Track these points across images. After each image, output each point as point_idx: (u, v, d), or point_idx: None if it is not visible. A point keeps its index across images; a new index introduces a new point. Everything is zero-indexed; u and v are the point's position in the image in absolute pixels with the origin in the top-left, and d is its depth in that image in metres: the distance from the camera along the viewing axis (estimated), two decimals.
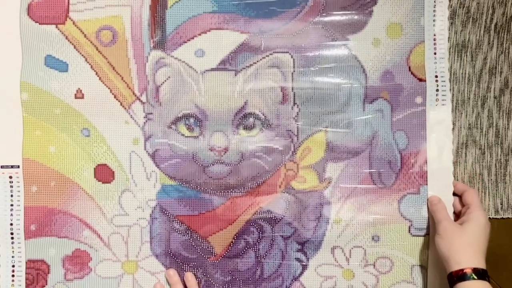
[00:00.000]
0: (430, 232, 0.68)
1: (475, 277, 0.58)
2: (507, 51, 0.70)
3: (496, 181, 0.71)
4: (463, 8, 0.69)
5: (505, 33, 0.70)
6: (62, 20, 0.66)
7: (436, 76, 0.67)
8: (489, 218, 0.72)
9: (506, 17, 0.70)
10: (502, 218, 0.72)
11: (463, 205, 0.66)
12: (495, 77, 0.70)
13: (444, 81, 0.67)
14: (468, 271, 0.58)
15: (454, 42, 0.70)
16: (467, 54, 0.70)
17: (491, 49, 0.70)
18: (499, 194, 0.72)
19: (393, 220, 0.68)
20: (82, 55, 0.66)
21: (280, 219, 0.68)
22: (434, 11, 0.67)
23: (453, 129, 0.69)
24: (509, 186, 0.71)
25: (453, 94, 0.70)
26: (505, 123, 0.71)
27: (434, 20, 0.67)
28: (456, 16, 0.70)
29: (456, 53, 0.71)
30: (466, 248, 0.60)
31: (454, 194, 0.67)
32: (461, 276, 0.58)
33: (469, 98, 0.70)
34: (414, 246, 0.68)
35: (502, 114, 0.71)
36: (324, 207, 0.68)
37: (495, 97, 0.71)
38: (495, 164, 0.71)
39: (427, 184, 0.68)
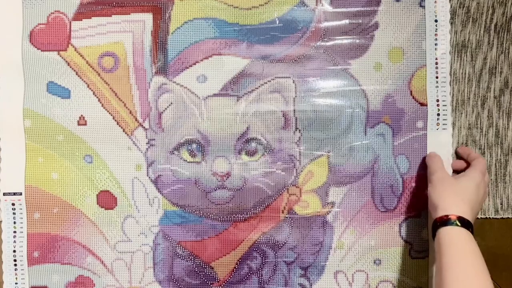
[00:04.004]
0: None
1: (459, 223, 0.57)
2: (507, 51, 0.70)
3: (496, 181, 0.72)
4: (463, 8, 0.69)
5: (505, 33, 0.70)
6: (64, 46, 0.66)
7: (438, 101, 0.68)
8: (489, 218, 0.72)
9: (506, 17, 0.70)
10: (502, 218, 0.72)
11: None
12: (495, 77, 0.70)
13: (446, 106, 0.68)
14: (453, 217, 0.57)
15: (454, 42, 0.70)
16: (467, 54, 0.70)
17: (491, 49, 0.70)
18: (499, 194, 0.72)
19: (394, 244, 0.69)
20: (84, 82, 0.66)
21: (283, 244, 0.68)
22: (435, 35, 0.67)
23: (453, 129, 0.69)
24: (509, 186, 0.72)
25: (453, 94, 0.70)
26: (505, 123, 0.71)
27: (435, 44, 0.67)
28: (456, 16, 0.70)
29: (456, 53, 0.71)
30: (455, 198, 0.59)
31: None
32: (444, 221, 0.57)
33: (469, 98, 0.70)
34: (415, 269, 0.69)
35: (502, 114, 0.71)
36: (327, 231, 0.68)
37: (495, 97, 0.71)
38: (495, 164, 0.71)
39: (427, 208, 0.68)
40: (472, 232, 0.57)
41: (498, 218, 0.72)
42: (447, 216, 0.58)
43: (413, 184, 0.68)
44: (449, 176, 0.64)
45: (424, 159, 0.68)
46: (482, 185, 0.62)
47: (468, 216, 0.58)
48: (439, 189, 0.62)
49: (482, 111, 0.71)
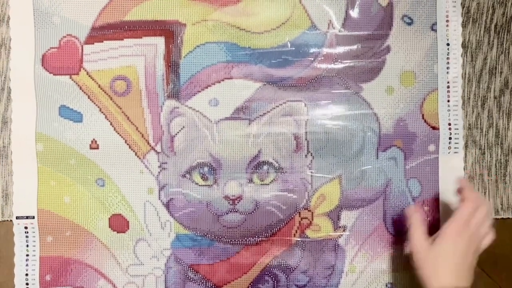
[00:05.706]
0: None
1: None
2: (507, 51, 0.70)
3: (496, 181, 0.71)
4: (463, 8, 0.69)
5: (505, 33, 0.70)
6: (76, 70, 0.66)
7: (450, 124, 0.68)
8: None
9: (506, 17, 0.70)
10: (502, 218, 0.72)
11: None
12: (495, 77, 0.70)
13: (457, 129, 0.68)
14: None
15: None
16: (467, 54, 0.70)
17: (491, 49, 0.70)
18: (499, 194, 0.72)
19: (406, 267, 0.68)
20: (97, 105, 0.66)
21: (294, 268, 0.68)
22: (447, 58, 0.67)
23: None
24: (509, 186, 0.71)
25: None
26: (505, 123, 0.71)
27: (447, 68, 0.67)
28: None
29: None
30: (433, 268, 0.56)
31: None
32: None
33: (469, 98, 0.70)
34: None
35: (502, 114, 0.71)
36: (339, 255, 0.68)
37: (495, 97, 0.71)
38: (495, 164, 0.71)
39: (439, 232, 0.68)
40: None
41: (498, 218, 0.72)
42: None
43: (425, 208, 0.68)
44: (426, 242, 0.59)
45: (436, 182, 0.68)
46: (458, 240, 0.57)
47: (450, 283, 0.55)
48: (416, 260, 0.59)
49: (482, 111, 0.71)
